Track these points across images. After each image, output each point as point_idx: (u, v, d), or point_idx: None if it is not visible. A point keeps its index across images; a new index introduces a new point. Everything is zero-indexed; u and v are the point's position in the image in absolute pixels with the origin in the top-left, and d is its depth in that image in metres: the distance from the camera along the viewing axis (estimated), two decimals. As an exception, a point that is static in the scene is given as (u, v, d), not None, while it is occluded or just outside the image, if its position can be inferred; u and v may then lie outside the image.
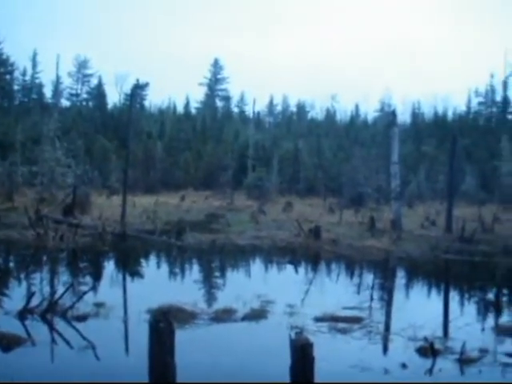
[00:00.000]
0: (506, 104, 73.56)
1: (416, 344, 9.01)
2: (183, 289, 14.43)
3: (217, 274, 17.74)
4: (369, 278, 17.34)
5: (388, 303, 13.34)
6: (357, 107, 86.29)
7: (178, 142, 64.15)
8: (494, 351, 8.86)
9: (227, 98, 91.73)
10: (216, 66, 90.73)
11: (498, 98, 75.11)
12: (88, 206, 30.05)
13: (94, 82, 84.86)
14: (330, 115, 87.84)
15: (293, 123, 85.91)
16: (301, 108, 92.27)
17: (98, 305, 11.13)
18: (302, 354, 5.55)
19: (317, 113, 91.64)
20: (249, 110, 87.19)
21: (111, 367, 7.95)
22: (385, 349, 9.24)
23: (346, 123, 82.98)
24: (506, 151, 52.90)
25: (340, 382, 7.03)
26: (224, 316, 10.74)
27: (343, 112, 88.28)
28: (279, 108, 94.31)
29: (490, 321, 11.47)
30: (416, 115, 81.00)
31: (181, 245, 21.33)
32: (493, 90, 75.57)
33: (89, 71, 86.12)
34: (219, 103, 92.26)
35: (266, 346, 9.09)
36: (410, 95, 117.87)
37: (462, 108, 78.63)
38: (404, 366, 8.09)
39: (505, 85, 73.63)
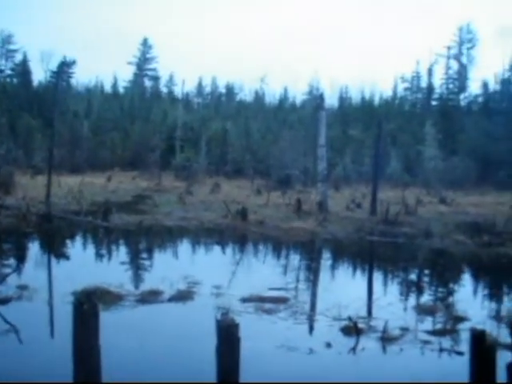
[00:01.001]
0: (430, 90, 75.17)
1: (340, 323, 9.17)
2: (109, 270, 14.24)
3: (144, 255, 17.58)
4: (295, 259, 17.58)
5: (314, 284, 13.53)
6: (285, 90, 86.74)
7: (105, 122, 63.00)
8: (414, 329, 9.11)
9: (156, 78, 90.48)
10: (145, 45, 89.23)
11: (423, 84, 76.75)
12: (12, 185, 29.26)
13: (18, 57, 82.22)
14: (258, 97, 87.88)
15: (221, 105, 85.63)
16: (230, 90, 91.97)
17: (22, 287, 10.89)
18: (227, 334, 5.55)
19: (246, 95, 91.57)
20: (178, 91, 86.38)
21: (35, 351, 7.80)
22: (310, 329, 9.37)
23: (274, 106, 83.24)
24: (429, 136, 54.15)
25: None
26: (150, 297, 10.68)
27: (272, 94, 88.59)
28: (208, 89, 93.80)
29: (412, 300, 11.77)
30: (344, 99, 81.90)
31: (107, 226, 21.03)
32: (418, 77, 77.11)
33: (13, 47, 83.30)
34: (148, 83, 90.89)
35: (192, 327, 9.08)
36: (338, 79, 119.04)
37: (389, 93, 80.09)
38: (329, 345, 8.24)
39: (430, 72, 75.20)
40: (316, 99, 75.23)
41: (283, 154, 46.49)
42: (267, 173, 45.68)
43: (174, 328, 9.19)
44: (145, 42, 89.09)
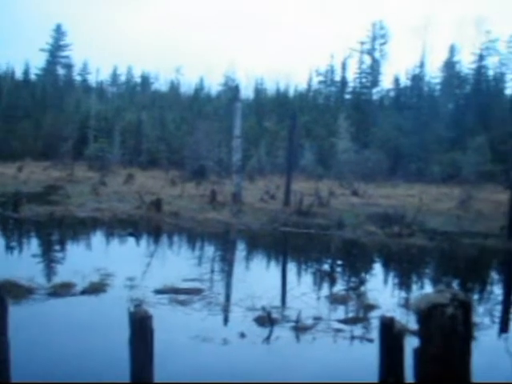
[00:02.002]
0: (344, 84, 76.55)
1: (254, 314, 9.24)
2: (19, 263, 13.80)
3: (55, 247, 17.16)
4: (210, 250, 17.57)
5: (228, 275, 13.55)
6: (201, 80, 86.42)
7: (16, 110, 61.13)
8: (327, 318, 9.28)
9: (69, 66, 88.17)
10: (58, 31, 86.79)
11: (337, 78, 78.03)
12: None
13: None
14: (174, 87, 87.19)
15: (136, 94, 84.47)
16: (145, 79, 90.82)
17: None
18: (140, 326, 5.49)
19: (161, 84, 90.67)
20: (92, 80, 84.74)
21: None
22: (224, 319, 9.39)
23: (190, 96, 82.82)
24: (342, 129, 55.24)
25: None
26: (62, 290, 10.44)
27: (188, 85, 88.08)
28: (123, 78, 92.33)
29: (325, 290, 11.97)
30: (259, 91, 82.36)
31: (17, 217, 20.44)
32: (332, 71, 78.34)
33: None
34: (61, 71, 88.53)
35: (105, 319, 8.94)
36: (254, 71, 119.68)
37: (303, 86, 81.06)
38: (242, 335, 8.29)
39: (343, 66, 76.55)
40: (231, 90, 75.37)
41: (198, 145, 46.33)
42: (182, 164, 45.51)
43: (85, 321, 9.02)
44: (58, 29, 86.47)
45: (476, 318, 9.72)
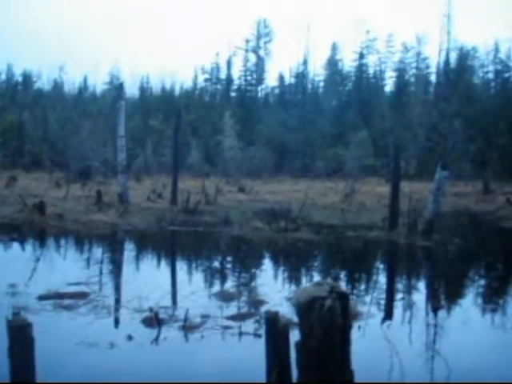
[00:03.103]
0: (229, 82, 77.02)
1: (142, 315, 9.12)
2: None
3: None
4: (96, 252, 17.17)
5: (116, 276, 13.31)
6: (85, 79, 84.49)
7: None
8: (215, 316, 9.29)
9: None
10: None
11: (223, 76, 78.38)
12: None
13: None
14: (57, 86, 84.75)
15: (18, 94, 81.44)
16: (27, 78, 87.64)
17: None
18: (19, 335, 5.29)
19: (44, 83, 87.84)
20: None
21: None
22: (111, 322, 9.21)
23: (74, 95, 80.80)
24: (228, 127, 55.55)
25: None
26: None
27: (72, 83, 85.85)
28: (3, 77, 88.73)
29: (214, 287, 11.98)
30: (144, 89, 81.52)
31: None
32: (218, 68, 78.64)
33: None
34: None
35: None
36: (139, 69, 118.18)
37: (189, 84, 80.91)
38: (130, 337, 8.16)
39: (229, 64, 77.02)
40: (116, 89, 74.18)
41: (83, 145, 45.33)
42: (67, 165, 44.33)
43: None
44: None
45: (362, 308, 10.06)
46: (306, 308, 4.75)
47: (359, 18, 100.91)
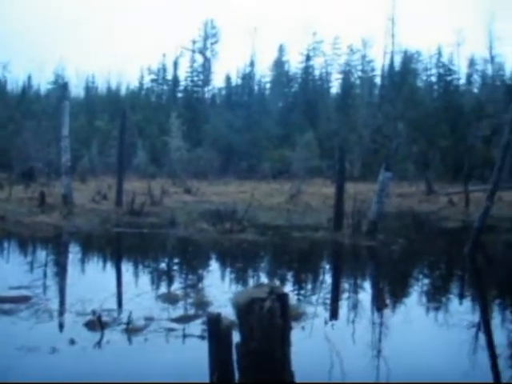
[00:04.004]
0: (175, 83, 76.73)
1: (85, 318, 9.00)
2: None
3: None
4: (40, 255, 16.94)
5: (59, 280, 13.09)
6: (30, 78, 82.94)
7: None
8: (159, 318, 9.24)
9: None
10: None
11: (169, 76, 78.06)
12: None
13: None
14: (0, 85, 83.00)
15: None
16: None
17: None
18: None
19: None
20: None
21: None
22: (53, 326, 9.07)
23: (17, 94, 79.21)
24: (174, 127, 55.31)
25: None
26: None
27: (15, 82, 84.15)
28: None
29: (159, 289, 11.91)
30: (90, 89, 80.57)
31: None
32: (164, 69, 78.29)
33: None
34: None
35: None
36: (85, 68, 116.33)
37: (136, 84, 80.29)
38: (72, 341, 8.05)
39: (175, 64, 76.76)
40: (61, 88, 73.08)
41: (26, 146, 44.52)
42: (10, 165, 43.47)
43: None
44: None
45: (307, 308, 10.13)
46: (246, 309, 4.77)
47: (306, 21, 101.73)
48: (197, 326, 8.86)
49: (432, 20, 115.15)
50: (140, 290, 11.32)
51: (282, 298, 4.86)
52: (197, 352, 7.29)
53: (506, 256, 18.04)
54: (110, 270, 15.27)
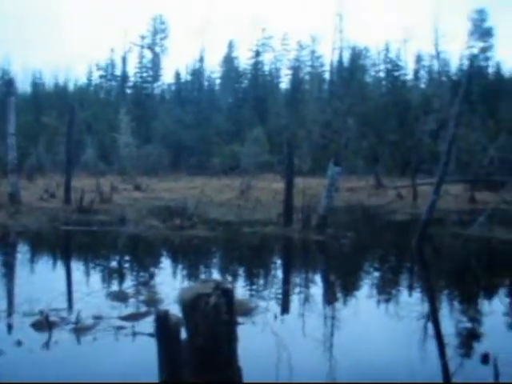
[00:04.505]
0: (124, 78, 75.99)
1: (32, 319, 8.86)
2: None
3: None
4: (-15, 255, 16.58)
5: (6, 280, 12.86)
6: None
7: None
8: (108, 317, 9.15)
9: None
10: None
11: (118, 72, 77.27)
12: None
13: None
14: None
15: None
16: None
17: None
18: None
19: None
20: None
21: None
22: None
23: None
24: (123, 124, 54.77)
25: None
26: None
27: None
28: None
29: (109, 288, 11.77)
30: (37, 85, 79.19)
31: None
32: (113, 65, 77.48)
33: None
34: None
35: None
36: (32, 63, 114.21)
37: (84, 80, 79.29)
38: (19, 343, 7.91)
39: (124, 60, 75.99)
40: (6, 84, 71.59)
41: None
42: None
43: None
44: None
45: (258, 303, 10.16)
46: (191, 305, 4.77)
47: (256, 17, 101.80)
48: (147, 324, 8.79)
49: (380, 17, 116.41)
50: (90, 289, 11.20)
51: (228, 293, 4.87)
52: (147, 350, 7.25)
53: (452, 248, 18.39)
54: (59, 269, 15.03)
